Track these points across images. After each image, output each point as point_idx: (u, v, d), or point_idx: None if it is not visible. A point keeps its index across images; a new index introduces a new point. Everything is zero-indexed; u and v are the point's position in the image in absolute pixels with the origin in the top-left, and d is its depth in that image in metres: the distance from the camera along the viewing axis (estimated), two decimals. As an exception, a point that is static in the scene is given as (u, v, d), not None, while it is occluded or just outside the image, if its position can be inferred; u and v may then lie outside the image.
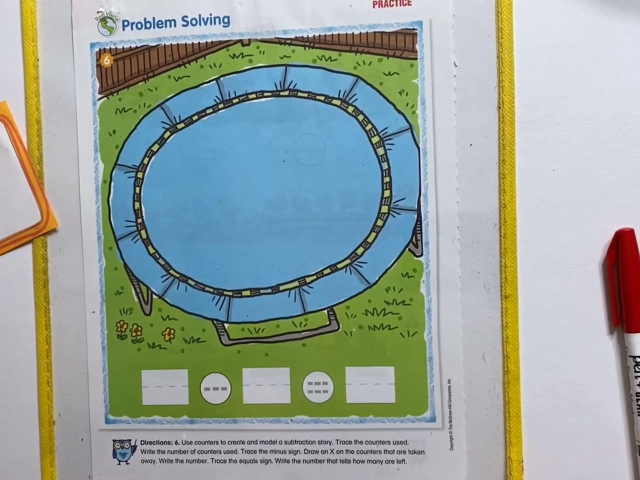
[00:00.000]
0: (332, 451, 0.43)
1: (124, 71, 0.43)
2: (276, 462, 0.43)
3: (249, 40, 0.42)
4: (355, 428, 0.42)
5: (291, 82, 0.42)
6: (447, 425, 0.42)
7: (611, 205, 0.40)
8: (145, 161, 0.43)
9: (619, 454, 0.41)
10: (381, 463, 0.42)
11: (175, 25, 0.43)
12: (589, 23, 0.40)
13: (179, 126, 0.43)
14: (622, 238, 0.40)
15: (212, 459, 0.43)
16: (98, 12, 0.43)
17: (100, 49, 0.44)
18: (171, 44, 0.43)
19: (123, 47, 0.43)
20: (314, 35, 0.42)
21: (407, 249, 0.42)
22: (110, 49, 0.43)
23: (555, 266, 0.41)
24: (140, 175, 0.43)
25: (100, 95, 0.43)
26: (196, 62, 0.43)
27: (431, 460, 0.42)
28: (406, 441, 0.42)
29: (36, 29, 0.44)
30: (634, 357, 0.39)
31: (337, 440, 0.43)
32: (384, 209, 0.42)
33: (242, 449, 0.43)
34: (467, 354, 0.41)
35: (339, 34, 0.42)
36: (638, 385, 0.39)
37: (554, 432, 0.41)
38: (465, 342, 0.41)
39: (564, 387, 0.41)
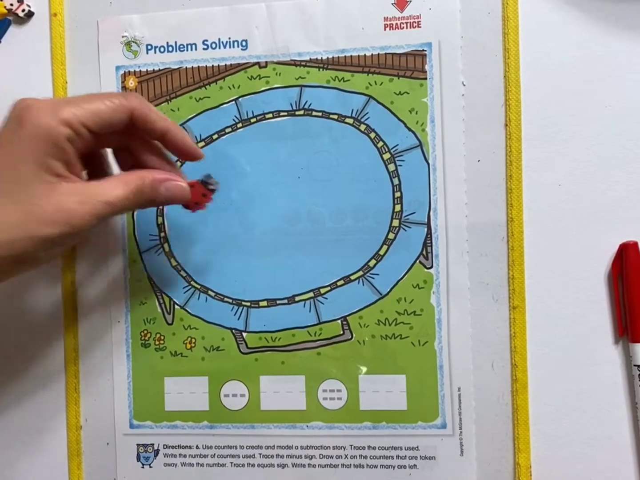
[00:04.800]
0: (346, 456, 0.44)
1: (148, 93, 0.45)
2: (292, 466, 0.44)
3: (266, 62, 0.44)
4: (368, 434, 0.44)
5: (306, 102, 0.44)
6: (457, 431, 0.43)
7: (615, 219, 0.41)
8: (168, 178, 0.45)
9: (625, 461, 0.42)
10: (393, 468, 0.44)
11: (195, 49, 0.45)
12: (593, 43, 0.42)
13: (200, 145, 0.45)
14: (626, 250, 0.41)
15: (231, 463, 0.45)
16: (123, 37, 0.46)
17: (125, 71, 0.46)
18: (192, 67, 0.45)
19: (147, 70, 0.45)
20: (327, 57, 0.44)
21: (417, 261, 0.43)
22: (134, 71, 0.46)
23: (561, 278, 0.42)
24: (163, 191, 0.45)
25: (125, 116, 0.46)
26: (216, 83, 0.45)
27: (442, 466, 0.43)
28: (418, 447, 0.43)
29: (65, 53, 0.46)
30: (639, 366, 0.40)
31: (351, 445, 0.44)
32: (395, 222, 0.43)
33: (260, 454, 0.45)
34: (477, 362, 0.43)
35: (351, 56, 0.44)
36: (643, 393, 0.40)
37: (561, 438, 0.42)
38: (474, 351, 0.43)
39: (571, 395, 0.42)
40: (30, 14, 0.46)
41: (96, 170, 0.40)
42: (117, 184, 0.35)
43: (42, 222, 0.33)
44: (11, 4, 0.46)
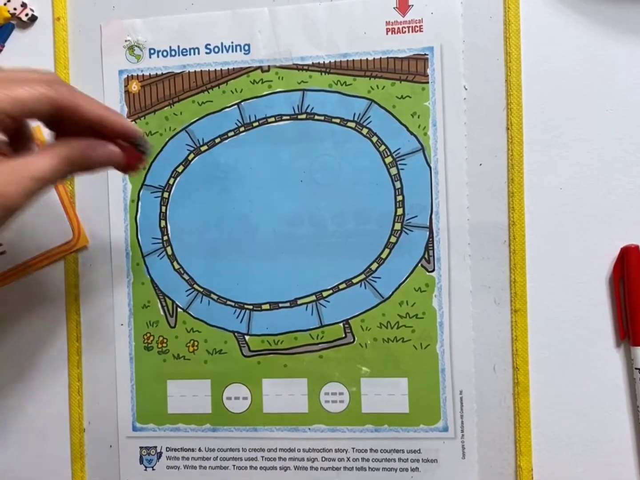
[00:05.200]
0: (348, 459, 0.44)
1: (151, 97, 0.46)
2: (295, 469, 0.45)
3: (269, 66, 0.45)
4: (370, 437, 0.44)
5: (308, 105, 0.44)
6: (459, 434, 0.43)
7: (617, 223, 0.42)
8: (171, 181, 0.45)
9: (627, 463, 0.42)
10: (395, 471, 0.44)
11: (198, 53, 0.45)
12: (593, 47, 0.42)
13: (203, 148, 0.45)
14: (627, 254, 0.41)
15: (234, 465, 0.45)
16: (126, 41, 0.46)
17: (128, 75, 0.46)
18: (195, 71, 0.45)
19: (150, 74, 0.46)
20: (329, 61, 0.44)
21: (419, 264, 0.43)
22: (137, 75, 0.46)
23: (563, 281, 0.42)
24: (166, 195, 0.45)
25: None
26: (218, 87, 0.45)
27: (444, 469, 0.43)
28: (419, 450, 0.43)
29: (68, 57, 0.46)
30: (640, 369, 0.40)
31: (353, 448, 0.44)
32: (397, 226, 0.43)
33: (262, 456, 0.45)
34: (478, 366, 0.43)
35: (353, 60, 0.44)
36: (644, 396, 0.40)
37: (562, 441, 0.42)
38: (476, 355, 0.43)
39: (572, 398, 0.42)
40: (33, 18, 0.46)
41: (21, 139, 0.36)
42: (45, 157, 0.33)
43: None
44: (15, 8, 0.46)
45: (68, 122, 0.34)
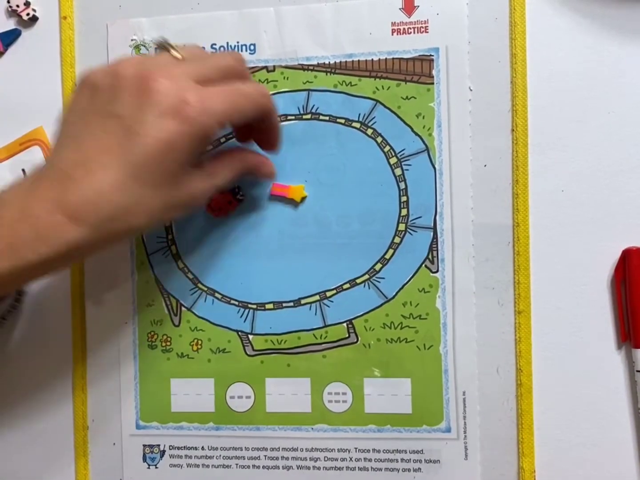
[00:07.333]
0: (350, 459, 0.44)
1: (156, 96, 0.46)
2: (297, 468, 0.45)
3: (274, 66, 0.45)
4: (373, 437, 0.44)
5: (313, 106, 0.44)
6: (462, 435, 0.43)
7: (619, 225, 0.42)
8: (176, 181, 0.45)
9: (628, 465, 0.42)
10: (398, 471, 0.44)
11: (204, 53, 0.45)
12: (597, 49, 0.42)
13: (208, 148, 0.45)
14: (629, 256, 0.41)
15: (237, 464, 0.45)
16: (132, 40, 0.46)
17: (133, 74, 0.46)
18: (200, 70, 0.45)
19: (155, 73, 0.46)
20: (335, 62, 0.44)
21: (423, 265, 0.43)
22: (143, 74, 0.46)
23: (566, 283, 0.42)
24: (170, 194, 0.45)
25: (133, 119, 0.46)
26: (224, 87, 0.45)
27: (446, 470, 0.43)
28: (422, 451, 0.43)
29: (74, 56, 0.46)
30: (643, 371, 0.40)
31: (356, 448, 0.44)
32: (401, 226, 0.43)
33: (265, 455, 0.45)
34: (482, 367, 0.43)
35: (359, 60, 0.44)
36: (647, 399, 0.40)
37: (565, 443, 0.42)
38: (479, 356, 0.43)
39: (575, 399, 0.42)
40: (34, 19, 0.46)
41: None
42: (226, 169, 0.39)
43: (176, 209, 0.36)
44: (17, 5, 0.46)
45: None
